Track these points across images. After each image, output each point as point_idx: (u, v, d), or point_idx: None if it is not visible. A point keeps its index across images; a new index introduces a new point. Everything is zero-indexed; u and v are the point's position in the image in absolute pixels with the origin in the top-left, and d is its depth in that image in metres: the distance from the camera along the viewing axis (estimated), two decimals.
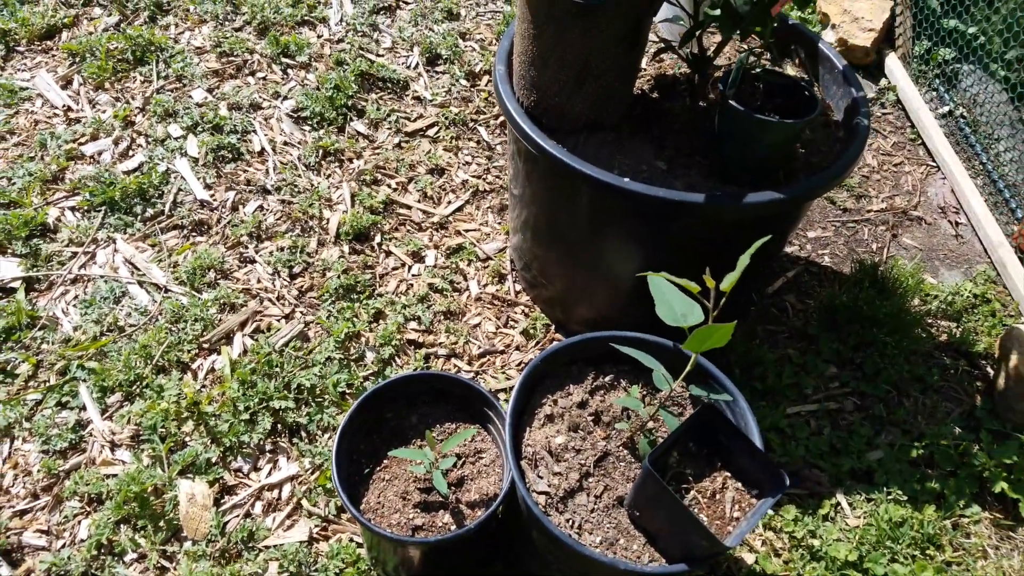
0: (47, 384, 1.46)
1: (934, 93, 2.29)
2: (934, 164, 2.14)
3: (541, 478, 1.09)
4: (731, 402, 1.16)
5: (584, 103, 1.41)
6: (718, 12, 1.27)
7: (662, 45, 1.54)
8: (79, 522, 1.30)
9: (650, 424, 1.18)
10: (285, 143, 1.98)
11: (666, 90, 1.57)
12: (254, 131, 1.98)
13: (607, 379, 1.24)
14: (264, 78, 2.13)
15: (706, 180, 1.40)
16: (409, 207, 1.89)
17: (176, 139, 1.93)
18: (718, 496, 1.06)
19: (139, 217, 1.77)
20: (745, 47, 1.65)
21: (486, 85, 2.21)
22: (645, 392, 1.22)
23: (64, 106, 1.99)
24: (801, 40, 1.65)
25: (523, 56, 1.42)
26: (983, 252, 1.93)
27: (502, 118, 2.13)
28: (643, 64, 1.63)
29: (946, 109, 2.23)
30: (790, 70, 1.68)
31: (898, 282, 1.75)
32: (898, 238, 1.97)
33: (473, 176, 2.00)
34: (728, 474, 1.08)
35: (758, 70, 1.38)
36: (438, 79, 2.21)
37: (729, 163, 1.38)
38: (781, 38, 1.66)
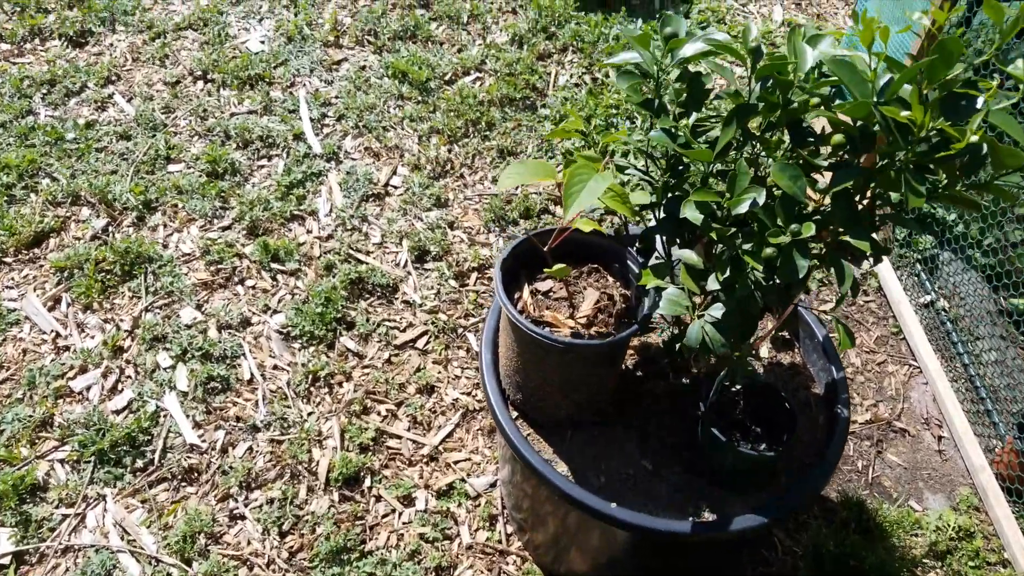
0: None
1: (916, 279, 2.33)
2: (916, 364, 2.18)
3: None
4: None
5: (567, 408, 1.43)
6: (698, 347, 1.30)
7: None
8: None
9: None
10: (275, 367, 1.99)
11: (649, 365, 1.60)
12: (243, 355, 1.99)
13: None
14: (254, 286, 2.14)
15: (692, 482, 1.42)
16: (399, 437, 1.91)
17: (165, 369, 1.94)
18: None
19: (129, 468, 1.77)
20: None
21: (475, 284, 2.23)
22: None
23: (52, 331, 1.99)
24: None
25: (508, 361, 1.44)
26: (966, 472, 1.96)
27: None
28: None
29: (927, 299, 2.27)
30: (770, 324, 1.71)
31: (883, 527, 1.77)
32: (883, 454, 1.99)
33: (463, 393, 2.01)
34: None
35: (737, 388, 1.40)
36: (427, 277, 2.23)
37: (714, 469, 1.41)
38: None
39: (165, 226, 2.25)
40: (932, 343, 2.18)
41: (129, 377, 1.93)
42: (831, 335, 1.63)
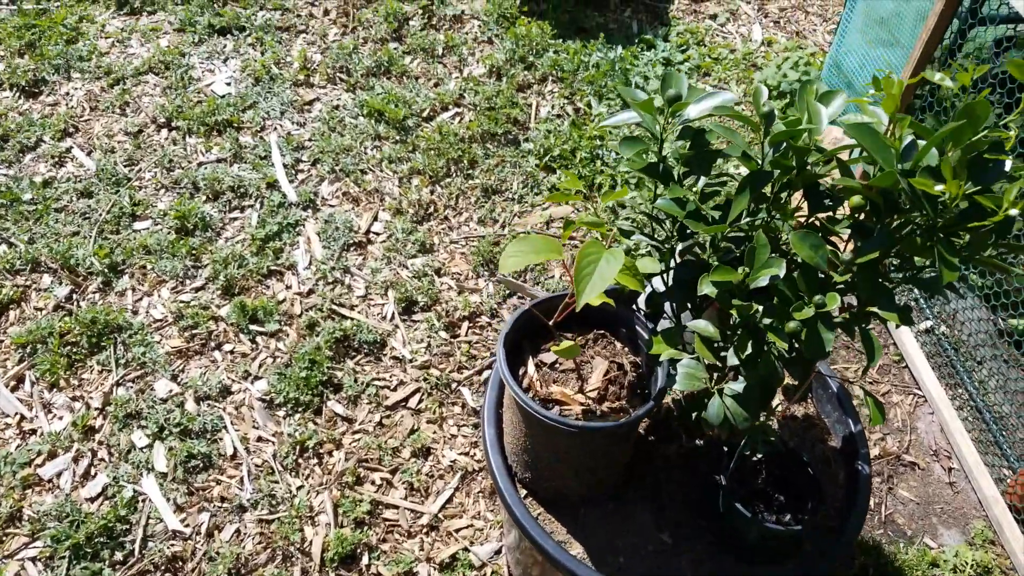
0: None
1: (913, 304, 2.30)
2: (921, 393, 2.14)
3: None
4: None
5: (580, 488, 1.35)
6: (719, 423, 1.23)
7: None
8: None
9: None
10: (259, 439, 1.87)
11: (660, 427, 1.52)
12: (225, 427, 1.87)
13: None
14: (232, 351, 2.02)
15: (714, 554, 1.35)
16: (396, 507, 1.80)
17: (142, 449, 1.81)
18: None
19: (107, 562, 1.64)
20: None
21: (466, 334, 2.13)
22: None
23: (16, 414, 1.85)
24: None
25: (515, 440, 1.35)
26: (978, 504, 1.93)
27: (488, 375, 2.05)
28: None
29: (926, 325, 2.24)
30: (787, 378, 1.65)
31: (902, 571, 1.72)
32: (894, 490, 1.95)
33: (460, 453, 1.92)
34: None
35: (758, 456, 1.34)
36: (416, 330, 2.13)
37: (738, 541, 1.34)
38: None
39: (134, 290, 2.12)
40: (935, 370, 2.15)
41: (102, 460, 1.80)
42: (843, 383, 1.57)
